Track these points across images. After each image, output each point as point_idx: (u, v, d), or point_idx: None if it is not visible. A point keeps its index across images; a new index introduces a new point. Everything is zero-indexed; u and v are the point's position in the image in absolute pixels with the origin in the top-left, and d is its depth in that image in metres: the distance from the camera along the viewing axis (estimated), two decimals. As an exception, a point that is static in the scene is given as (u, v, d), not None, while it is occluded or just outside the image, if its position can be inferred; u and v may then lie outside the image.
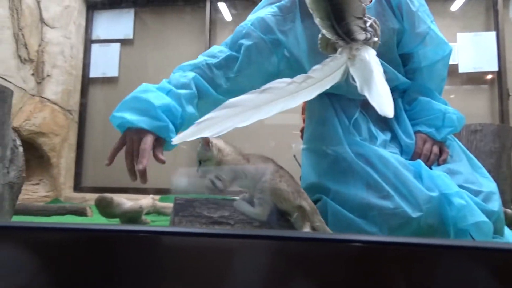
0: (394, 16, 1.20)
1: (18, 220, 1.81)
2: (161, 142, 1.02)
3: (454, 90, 3.43)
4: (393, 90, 1.29)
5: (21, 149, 1.65)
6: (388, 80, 1.22)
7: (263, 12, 1.22)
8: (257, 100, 0.84)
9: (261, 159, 1.04)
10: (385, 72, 1.12)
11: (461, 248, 0.39)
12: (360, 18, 0.92)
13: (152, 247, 0.43)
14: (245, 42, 1.17)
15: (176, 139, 0.86)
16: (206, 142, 0.97)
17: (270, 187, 0.95)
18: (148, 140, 0.97)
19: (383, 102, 0.85)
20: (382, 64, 0.98)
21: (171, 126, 0.98)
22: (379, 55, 1.13)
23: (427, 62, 1.24)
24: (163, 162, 0.98)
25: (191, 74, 1.12)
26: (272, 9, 1.21)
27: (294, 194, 0.96)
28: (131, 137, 1.00)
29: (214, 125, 0.82)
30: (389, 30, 1.18)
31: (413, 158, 1.19)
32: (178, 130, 1.03)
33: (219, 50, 1.21)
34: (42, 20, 3.52)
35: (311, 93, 0.88)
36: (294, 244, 0.41)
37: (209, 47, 3.74)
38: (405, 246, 0.39)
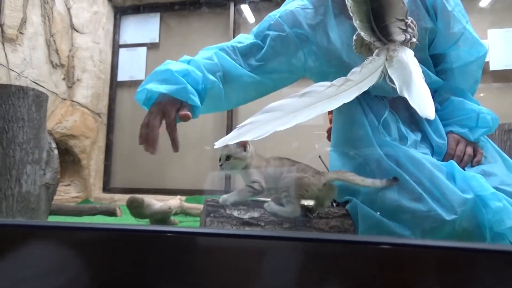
0: (427, 16, 1.17)
1: (54, 220, 1.88)
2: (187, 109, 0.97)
3: (485, 89, 3.32)
4: None
5: (56, 151, 1.71)
6: (431, 85, 1.21)
7: (293, 4, 1.21)
8: (296, 104, 0.85)
9: (277, 160, 1.08)
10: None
11: (498, 253, 0.38)
12: (402, 20, 0.91)
13: (185, 247, 0.44)
14: (271, 33, 1.16)
15: (218, 143, 0.87)
16: (244, 144, 0.99)
17: (291, 180, 1.00)
18: (170, 112, 0.94)
19: (424, 103, 0.84)
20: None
21: (190, 88, 0.95)
22: (419, 60, 1.13)
23: (460, 62, 1.20)
24: (187, 116, 0.96)
25: (215, 50, 1.12)
26: (302, 2, 1.20)
27: (315, 177, 1.01)
28: (152, 111, 0.97)
29: (255, 129, 0.84)
30: (422, 30, 1.15)
31: (445, 159, 1.16)
32: (202, 97, 1.00)
33: (246, 37, 1.21)
34: (72, 26, 3.65)
35: (350, 95, 0.88)
36: (326, 246, 0.41)
37: (233, 49, 3.78)
38: (439, 250, 0.38)
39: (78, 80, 3.63)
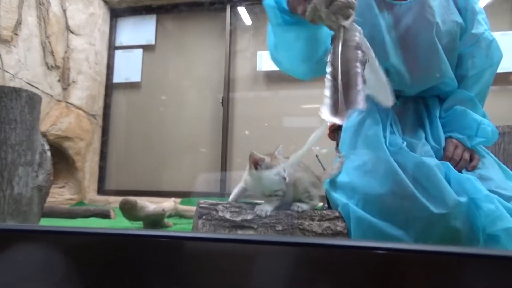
0: (458, 12, 1.22)
1: (45, 223, 1.86)
2: None
3: (480, 92, 3.34)
4: (433, 98, 1.29)
5: (49, 153, 1.70)
6: (446, 85, 1.23)
7: None
8: None
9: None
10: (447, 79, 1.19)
11: (484, 257, 0.37)
12: None
13: (174, 252, 0.43)
14: None
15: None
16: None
17: (309, 182, 1.15)
18: None
19: (385, 93, 0.85)
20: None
21: None
22: (444, 48, 1.16)
23: (476, 71, 1.25)
24: None
25: None
26: None
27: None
28: None
29: None
30: (453, 22, 1.20)
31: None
32: None
33: None
34: (68, 28, 3.63)
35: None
36: (316, 250, 0.41)
37: (230, 51, 3.79)
38: (426, 254, 0.38)
39: (73, 81, 3.62)
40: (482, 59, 1.24)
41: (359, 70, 0.78)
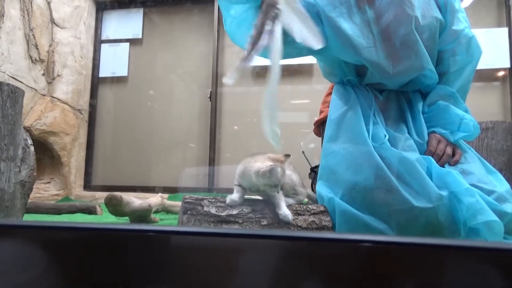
0: (438, 9, 1.26)
1: (29, 218, 1.83)
2: None
3: (465, 88, 3.39)
4: (415, 93, 1.31)
5: (32, 148, 1.67)
6: (426, 78, 1.26)
7: None
8: None
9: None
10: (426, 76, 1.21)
11: (465, 248, 0.38)
12: None
13: (160, 246, 0.43)
14: None
15: None
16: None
17: (297, 177, 1.24)
18: None
19: (308, 35, 0.90)
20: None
21: None
22: (424, 42, 1.19)
23: (457, 67, 1.28)
24: None
25: None
26: None
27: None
28: None
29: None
30: (433, 18, 1.23)
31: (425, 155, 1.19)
32: None
33: None
34: (52, 21, 3.56)
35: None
36: (302, 243, 0.41)
37: (218, 46, 3.76)
38: (409, 246, 0.39)
39: (58, 75, 3.56)
40: (463, 56, 1.26)
41: (269, 28, 0.89)
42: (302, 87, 3.57)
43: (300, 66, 3.44)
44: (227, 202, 1.10)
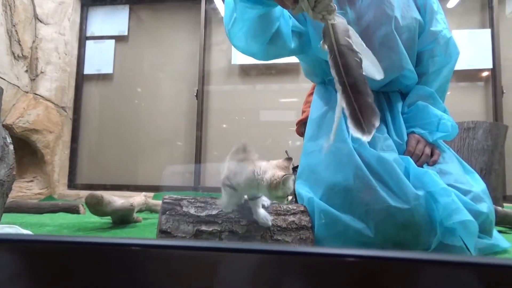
0: (417, 10, 1.28)
1: (9, 218, 1.80)
2: None
3: (450, 88, 3.42)
4: (395, 93, 1.32)
5: (11, 147, 1.63)
6: (406, 78, 1.28)
7: None
8: None
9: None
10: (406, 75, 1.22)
11: (436, 263, 0.38)
12: None
13: (135, 259, 0.42)
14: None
15: None
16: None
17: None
18: None
19: (374, 66, 0.87)
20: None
21: None
22: (403, 42, 1.20)
23: (435, 68, 1.30)
24: None
25: None
26: None
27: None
28: None
29: None
30: (412, 19, 1.25)
31: (404, 155, 1.20)
32: None
33: None
34: (36, 16, 3.50)
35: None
36: (280, 257, 0.41)
37: (204, 44, 3.74)
38: (387, 261, 0.38)
39: (41, 72, 3.50)
40: (441, 56, 1.28)
41: (363, 78, 0.76)
42: (290, 85, 3.58)
43: (287, 65, 3.45)
44: (222, 209, 1.03)
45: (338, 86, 0.77)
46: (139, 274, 0.42)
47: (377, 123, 0.73)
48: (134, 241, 0.44)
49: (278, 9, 1.08)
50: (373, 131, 0.72)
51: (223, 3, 3.81)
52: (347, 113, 0.75)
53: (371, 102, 0.73)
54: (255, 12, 1.03)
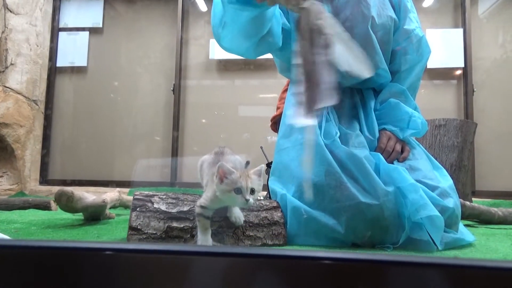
0: (392, 8, 1.30)
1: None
2: None
3: (422, 86, 3.50)
4: (368, 90, 1.34)
5: (-24, 141, 1.57)
6: (380, 76, 1.29)
7: None
8: None
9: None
10: (379, 74, 1.26)
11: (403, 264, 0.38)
12: None
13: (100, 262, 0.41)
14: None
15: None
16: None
17: None
18: None
19: (360, 63, 0.83)
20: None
21: None
22: (378, 40, 1.22)
23: (407, 66, 1.33)
24: None
25: None
26: None
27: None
28: None
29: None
30: (387, 17, 1.27)
31: (375, 152, 1.22)
32: None
33: None
34: (5, 6, 3.37)
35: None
36: (251, 260, 0.40)
37: (182, 37, 3.69)
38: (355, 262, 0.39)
39: (12, 64, 3.37)
40: (413, 55, 1.31)
41: (323, 58, 0.73)
42: (269, 81, 3.58)
43: (266, 60, 3.44)
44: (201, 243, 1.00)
45: (299, 73, 0.74)
46: (108, 278, 0.41)
47: (320, 109, 0.71)
48: (98, 245, 0.43)
49: (271, 10, 1.08)
50: (312, 116, 0.69)
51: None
52: (298, 98, 0.74)
53: (325, 89, 0.70)
54: (246, 14, 1.03)
